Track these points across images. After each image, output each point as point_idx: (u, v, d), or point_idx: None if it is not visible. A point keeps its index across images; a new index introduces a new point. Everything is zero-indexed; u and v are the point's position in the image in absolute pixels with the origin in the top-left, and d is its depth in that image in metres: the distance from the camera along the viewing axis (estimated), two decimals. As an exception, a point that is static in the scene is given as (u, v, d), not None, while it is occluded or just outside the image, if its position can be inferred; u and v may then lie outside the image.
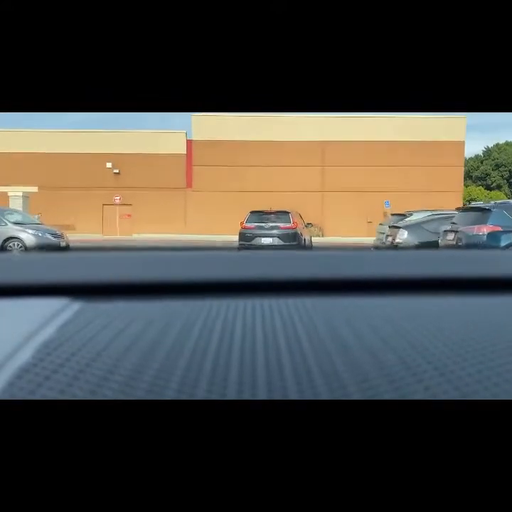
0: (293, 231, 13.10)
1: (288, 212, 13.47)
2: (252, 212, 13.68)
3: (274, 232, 13.00)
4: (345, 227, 26.84)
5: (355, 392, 0.32)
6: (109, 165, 27.68)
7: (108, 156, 27.79)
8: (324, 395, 0.32)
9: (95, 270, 0.54)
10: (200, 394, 0.32)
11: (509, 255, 0.63)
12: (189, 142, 27.90)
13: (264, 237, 12.97)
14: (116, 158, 27.88)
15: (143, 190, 27.82)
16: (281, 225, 13.10)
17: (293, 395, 0.32)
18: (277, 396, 0.32)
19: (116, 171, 27.78)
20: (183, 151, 27.98)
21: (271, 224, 13.13)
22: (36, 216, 16.81)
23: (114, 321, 0.42)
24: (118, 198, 27.47)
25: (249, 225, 13.38)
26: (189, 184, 27.84)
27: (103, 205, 28.09)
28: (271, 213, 13.51)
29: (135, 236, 27.55)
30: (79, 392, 0.32)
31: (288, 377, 0.34)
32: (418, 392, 0.32)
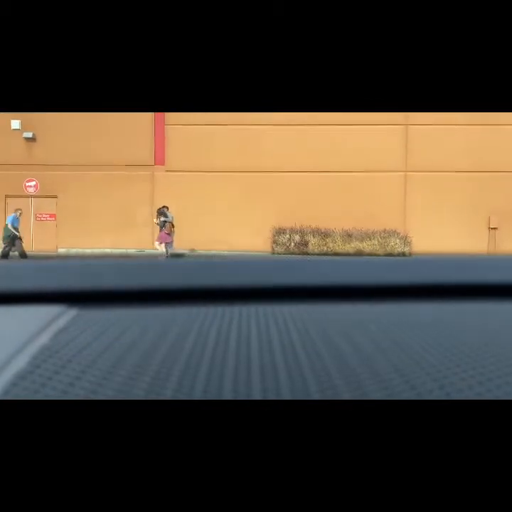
0: None
1: None
2: None
3: None
4: (448, 235, 14.39)
5: (345, 392, 0.35)
6: (15, 125, 15.96)
7: (13, 109, 15.45)
8: (316, 395, 0.35)
9: (91, 278, 0.55)
10: (197, 395, 0.34)
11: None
12: (160, 83, 15.45)
13: None
14: (29, 113, 15.42)
15: (77, 169, 15.91)
16: None
17: (286, 395, 0.35)
18: (271, 396, 0.35)
19: (29, 135, 16.07)
20: (149, 99, 15.51)
21: None
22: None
23: (111, 327, 0.44)
24: (32, 184, 15.95)
25: None
26: (159, 159, 16.03)
27: (6, 196, 16.21)
28: None
29: (62, 252, 15.35)
30: (75, 398, 0.34)
31: (281, 379, 0.36)
32: (406, 392, 0.35)
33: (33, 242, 15.63)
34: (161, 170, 15.82)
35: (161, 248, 13.24)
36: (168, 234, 13.32)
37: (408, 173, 15.33)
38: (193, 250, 14.54)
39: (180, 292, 0.51)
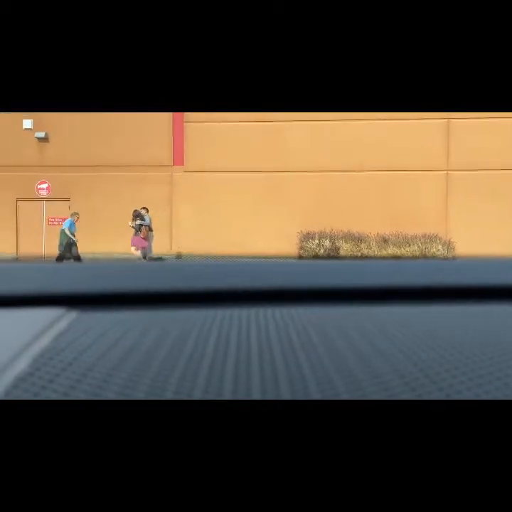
0: None
1: None
2: None
3: None
4: (495, 240, 13.03)
5: (344, 393, 0.35)
6: (27, 124, 15.15)
7: (25, 107, 14.61)
8: (315, 396, 0.35)
9: (92, 280, 0.56)
10: (197, 396, 0.35)
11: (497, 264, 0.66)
12: (178, 78, 14.39)
13: None
14: (41, 113, 14.55)
15: (91, 171, 14.99)
16: None
17: (286, 395, 0.35)
18: (271, 396, 0.35)
19: (41, 134, 15.22)
20: (168, 95, 14.48)
21: None
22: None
23: (112, 329, 0.45)
24: (45, 186, 15.07)
25: None
26: (178, 159, 15.00)
27: (17, 200, 15.40)
28: None
29: (76, 259, 14.46)
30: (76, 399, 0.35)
31: (280, 379, 0.37)
32: (405, 393, 0.36)
33: (45, 247, 14.80)
34: (180, 170, 14.80)
35: (137, 253, 12.13)
36: (144, 238, 12.21)
37: (450, 172, 14.04)
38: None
39: (180, 294, 0.52)
